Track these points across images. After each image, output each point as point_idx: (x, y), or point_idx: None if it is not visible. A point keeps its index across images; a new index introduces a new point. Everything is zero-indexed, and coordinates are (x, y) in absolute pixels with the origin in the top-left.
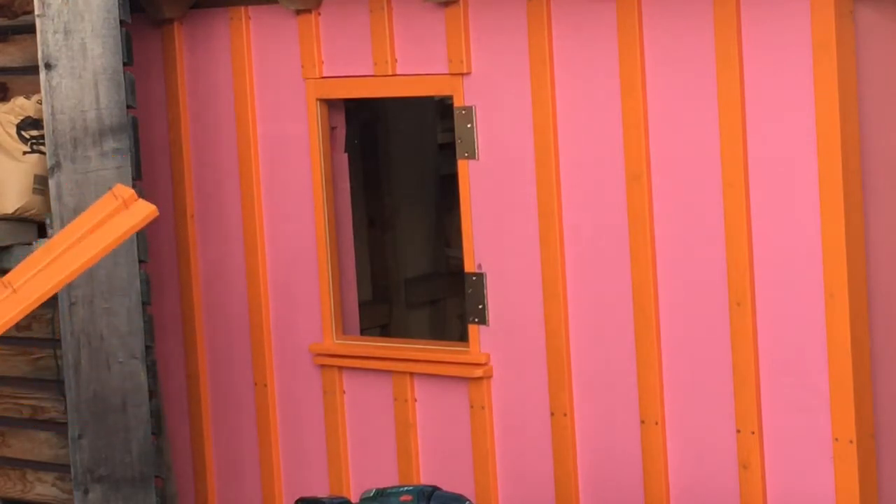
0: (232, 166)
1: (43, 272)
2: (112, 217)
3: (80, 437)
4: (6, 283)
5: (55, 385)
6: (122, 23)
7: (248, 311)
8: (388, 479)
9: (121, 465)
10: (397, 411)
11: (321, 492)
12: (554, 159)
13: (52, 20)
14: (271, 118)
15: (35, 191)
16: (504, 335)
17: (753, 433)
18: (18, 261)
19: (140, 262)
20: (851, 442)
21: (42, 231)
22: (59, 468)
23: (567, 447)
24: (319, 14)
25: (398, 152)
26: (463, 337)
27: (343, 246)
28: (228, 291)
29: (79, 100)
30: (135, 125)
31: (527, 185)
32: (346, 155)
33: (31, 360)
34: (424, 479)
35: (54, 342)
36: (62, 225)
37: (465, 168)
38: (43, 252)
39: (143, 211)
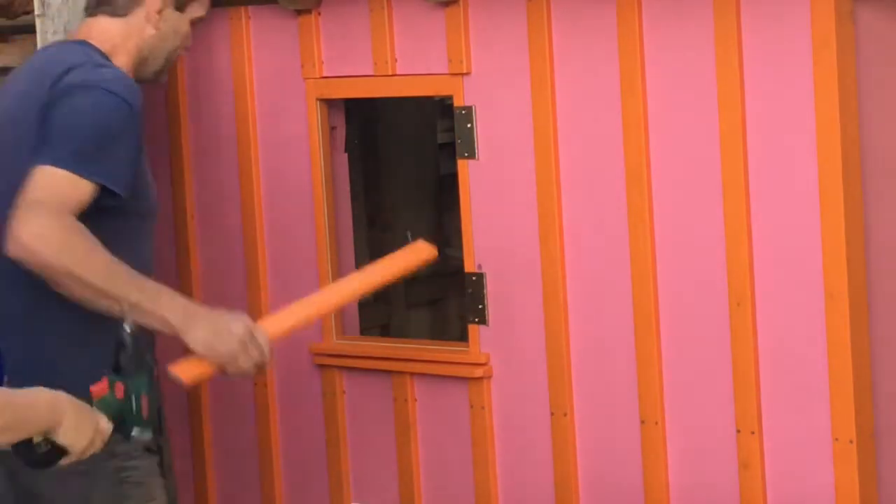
0: (232, 166)
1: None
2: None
3: None
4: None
5: None
6: None
7: (248, 310)
8: (388, 479)
9: None
10: (397, 411)
11: (321, 492)
12: (554, 159)
13: (52, 20)
14: (271, 118)
15: None
16: (504, 335)
17: (753, 433)
18: None
19: None
20: (851, 442)
21: None
22: None
23: (567, 447)
24: (319, 14)
25: (398, 152)
26: (463, 337)
27: (343, 246)
28: (228, 291)
29: None
30: None
31: (527, 185)
32: (346, 155)
33: None
34: (424, 478)
35: None
36: None
37: (465, 168)
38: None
39: (425, 251)
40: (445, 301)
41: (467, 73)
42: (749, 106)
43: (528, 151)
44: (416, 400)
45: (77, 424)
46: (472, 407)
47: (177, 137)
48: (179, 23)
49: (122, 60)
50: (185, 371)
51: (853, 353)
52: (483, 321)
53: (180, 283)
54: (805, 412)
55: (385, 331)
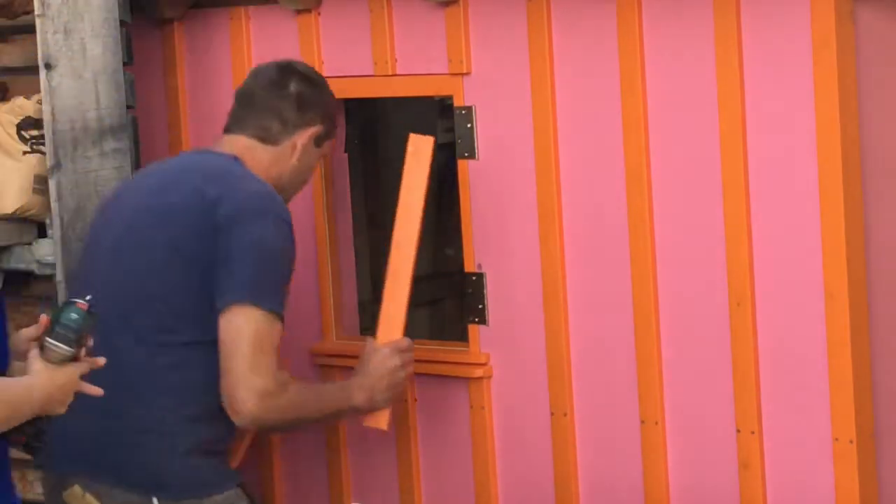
0: None
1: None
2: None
3: None
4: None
5: None
6: (122, 23)
7: None
8: (388, 479)
9: None
10: (397, 411)
11: (321, 492)
12: (554, 159)
13: (52, 20)
14: None
15: (35, 191)
16: (504, 335)
17: (753, 433)
18: (18, 261)
19: None
20: (851, 442)
21: (42, 231)
22: None
23: (567, 447)
24: (319, 14)
25: (398, 152)
26: (463, 337)
27: (343, 246)
28: None
29: (79, 100)
30: (135, 125)
31: (527, 185)
32: (346, 155)
33: None
34: (424, 478)
35: None
36: (62, 225)
37: (464, 168)
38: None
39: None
40: (445, 301)
41: (467, 73)
42: (749, 106)
43: (528, 151)
44: (416, 400)
45: (61, 394)
46: (472, 407)
47: (177, 137)
48: (313, 157)
49: None
50: (379, 421)
51: (853, 353)
52: (483, 321)
53: None
54: (805, 412)
55: None
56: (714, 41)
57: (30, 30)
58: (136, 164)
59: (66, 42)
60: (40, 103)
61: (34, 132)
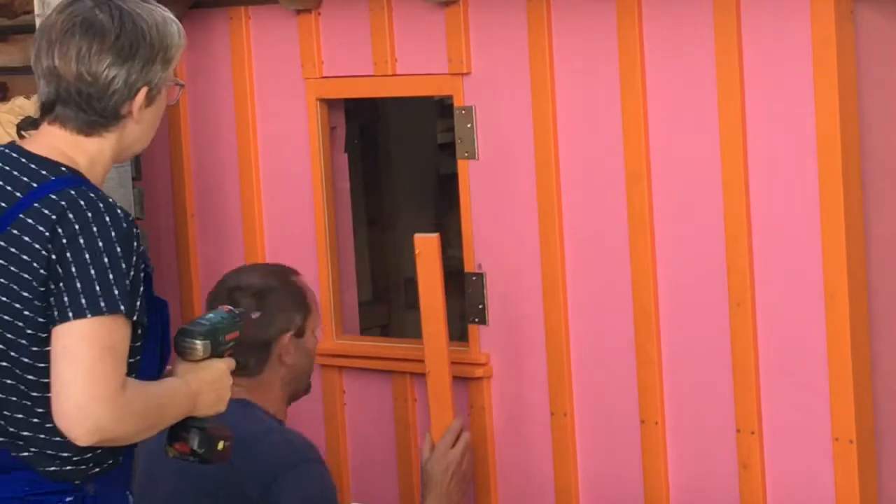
0: (232, 166)
1: None
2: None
3: None
4: None
5: None
6: None
7: None
8: (388, 479)
9: None
10: (397, 411)
11: None
12: (554, 159)
13: None
14: (271, 118)
15: None
16: (504, 335)
17: (753, 433)
18: None
19: None
20: (851, 442)
21: None
22: None
23: (567, 447)
24: (319, 14)
25: (398, 152)
26: (463, 337)
27: (343, 246)
28: None
29: None
30: None
31: (527, 185)
32: (345, 155)
33: None
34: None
35: None
36: None
37: (465, 168)
38: None
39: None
40: (445, 301)
41: (467, 73)
42: (749, 106)
43: (528, 151)
44: (416, 400)
45: (212, 390)
46: (472, 407)
47: (177, 137)
48: (310, 350)
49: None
50: None
51: (853, 353)
52: (483, 321)
53: (180, 282)
54: (805, 412)
55: (385, 331)
56: (714, 41)
57: (30, 30)
58: (136, 164)
59: None
60: None
61: (34, 132)
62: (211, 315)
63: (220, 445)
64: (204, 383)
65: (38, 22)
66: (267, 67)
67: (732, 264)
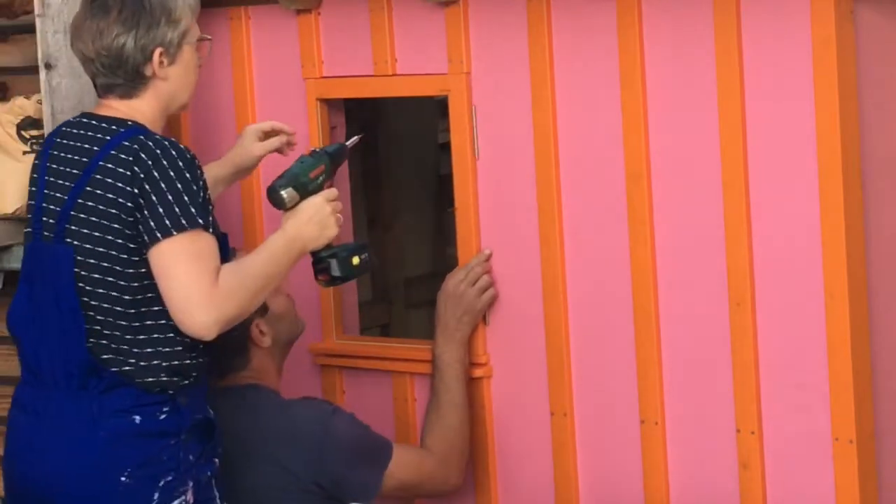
0: None
1: None
2: None
3: None
4: None
5: None
6: None
7: None
8: None
9: None
10: (397, 411)
11: None
12: (554, 159)
13: (52, 20)
14: (271, 118)
15: None
16: (504, 335)
17: (753, 433)
18: (18, 261)
19: None
20: (851, 442)
21: None
22: None
23: (567, 447)
24: (319, 14)
25: (398, 152)
26: None
27: None
28: None
29: (79, 100)
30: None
31: (527, 185)
32: None
33: None
34: None
35: None
36: None
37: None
38: None
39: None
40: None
41: (467, 73)
42: (749, 106)
43: (528, 151)
44: (416, 400)
45: (318, 219)
46: (471, 407)
47: (177, 137)
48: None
49: None
50: None
51: (853, 353)
52: (483, 321)
53: None
54: (805, 412)
55: (385, 331)
56: (714, 41)
57: (30, 30)
58: None
59: (66, 42)
60: (40, 103)
61: (34, 132)
62: (292, 165)
63: (355, 261)
64: (301, 223)
65: (38, 22)
66: (267, 67)
67: (732, 264)
